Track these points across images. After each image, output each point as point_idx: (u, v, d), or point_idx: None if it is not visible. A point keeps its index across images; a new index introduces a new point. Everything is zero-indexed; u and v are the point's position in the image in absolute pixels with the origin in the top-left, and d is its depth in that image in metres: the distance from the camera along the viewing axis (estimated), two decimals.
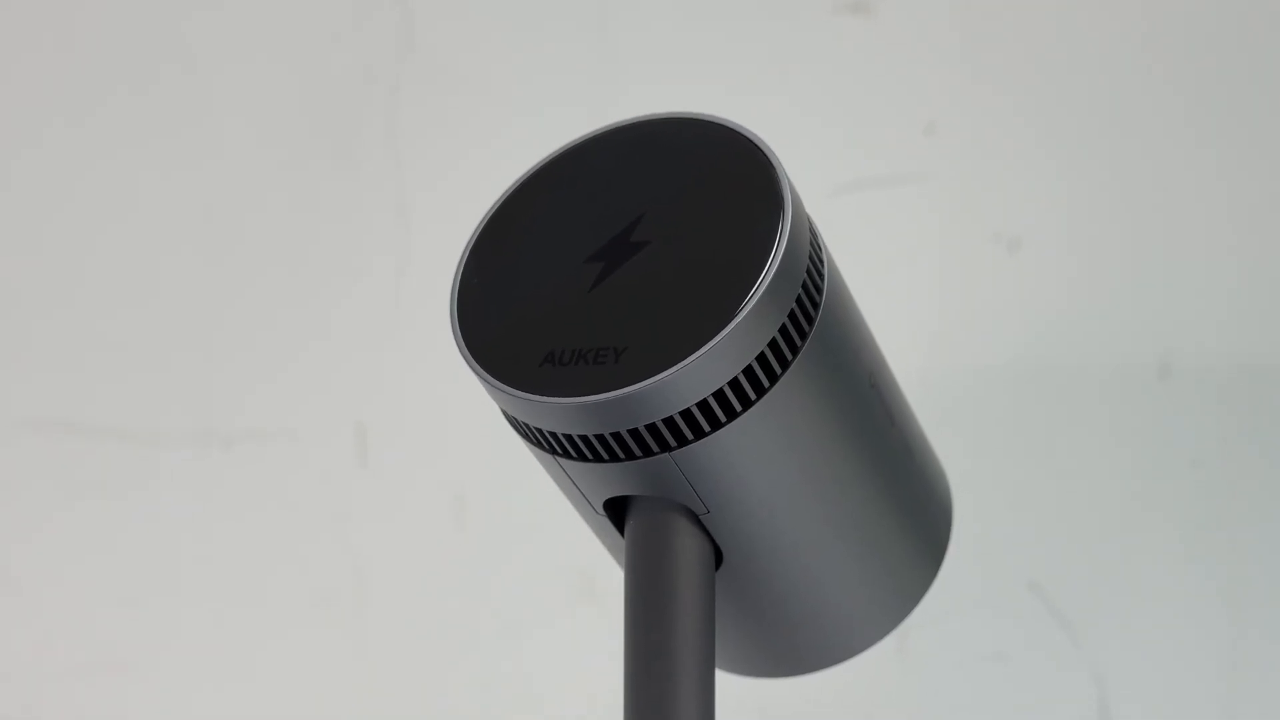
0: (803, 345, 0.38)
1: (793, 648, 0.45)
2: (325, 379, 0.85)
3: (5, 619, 0.85)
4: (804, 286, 0.38)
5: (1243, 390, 0.84)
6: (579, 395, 0.37)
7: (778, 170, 0.39)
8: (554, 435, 0.39)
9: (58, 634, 0.86)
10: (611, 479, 0.39)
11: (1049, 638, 0.85)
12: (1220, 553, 0.84)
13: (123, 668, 0.86)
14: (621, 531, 0.40)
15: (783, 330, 0.38)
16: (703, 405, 0.37)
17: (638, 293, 0.38)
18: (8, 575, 0.86)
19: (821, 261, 0.40)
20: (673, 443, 0.38)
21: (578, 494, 0.41)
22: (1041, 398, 0.84)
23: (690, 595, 0.39)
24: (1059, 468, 0.84)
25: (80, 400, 0.85)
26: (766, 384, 0.38)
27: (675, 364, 0.37)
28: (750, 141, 0.40)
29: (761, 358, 0.37)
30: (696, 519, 0.39)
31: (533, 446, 0.40)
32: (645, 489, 0.39)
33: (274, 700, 0.86)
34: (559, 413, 0.37)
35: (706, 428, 0.38)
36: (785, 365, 0.38)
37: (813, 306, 0.39)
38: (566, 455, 0.39)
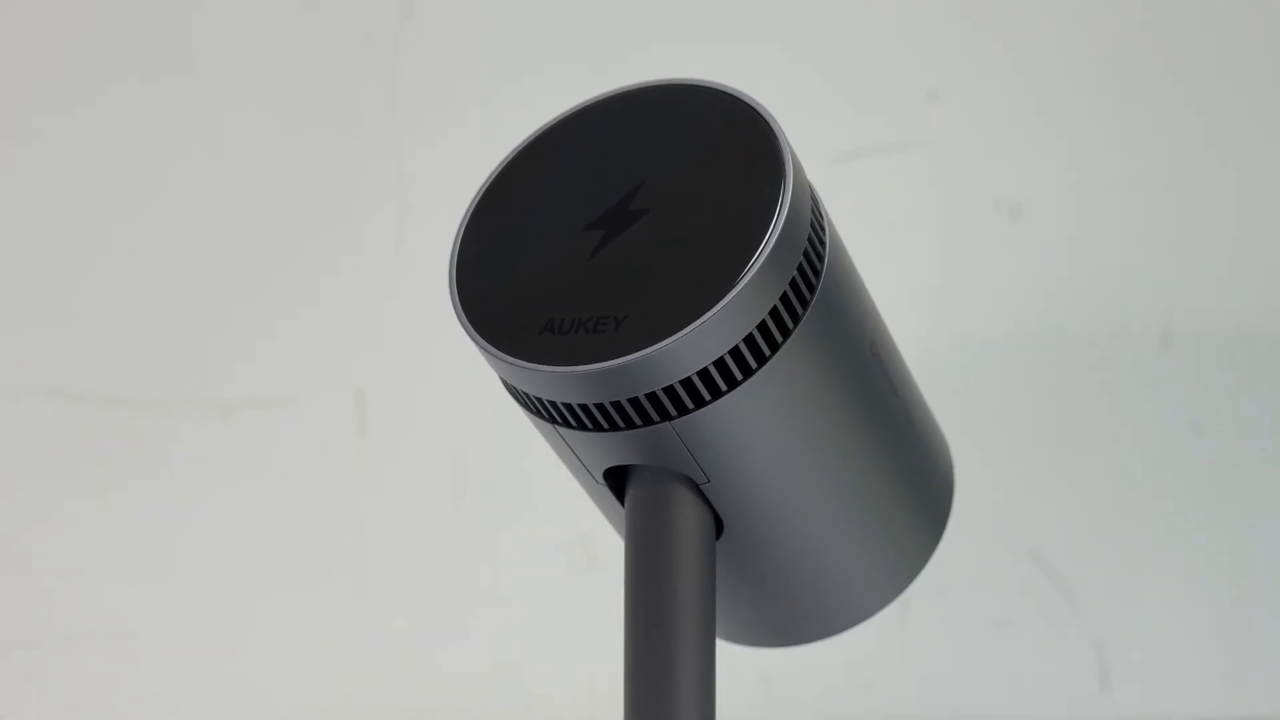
0: (804, 313, 0.38)
1: (793, 617, 0.45)
2: (325, 347, 0.85)
3: (5, 589, 0.85)
4: (805, 254, 0.38)
5: (1244, 358, 0.84)
6: (578, 364, 0.37)
7: (779, 137, 0.38)
8: (553, 404, 0.38)
9: (57, 603, 0.86)
10: (611, 448, 0.39)
11: (1049, 606, 0.85)
12: (1222, 520, 0.84)
13: (123, 636, 0.86)
14: (622, 501, 0.40)
15: (784, 298, 0.37)
16: (703, 374, 0.37)
17: (637, 260, 0.38)
18: (7, 545, 0.86)
19: (823, 229, 0.39)
20: (673, 412, 0.37)
21: (578, 463, 0.41)
22: (1043, 366, 0.84)
23: (691, 564, 0.39)
24: (1060, 436, 0.84)
25: (80, 369, 0.85)
26: (768, 352, 0.38)
27: (676, 332, 0.36)
28: (751, 108, 0.39)
29: (762, 326, 0.37)
30: (697, 488, 0.39)
31: (532, 415, 0.40)
32: (645, 458, 0.39)
33: (274, 667, 0.86)
34: (558, 381, 0.37)
35: (707, 396, 0.37)
36: (786, 334, 0.38)
37: (814, 274, 0.38)
38: (566, 424, 0.39)
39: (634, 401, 0.37)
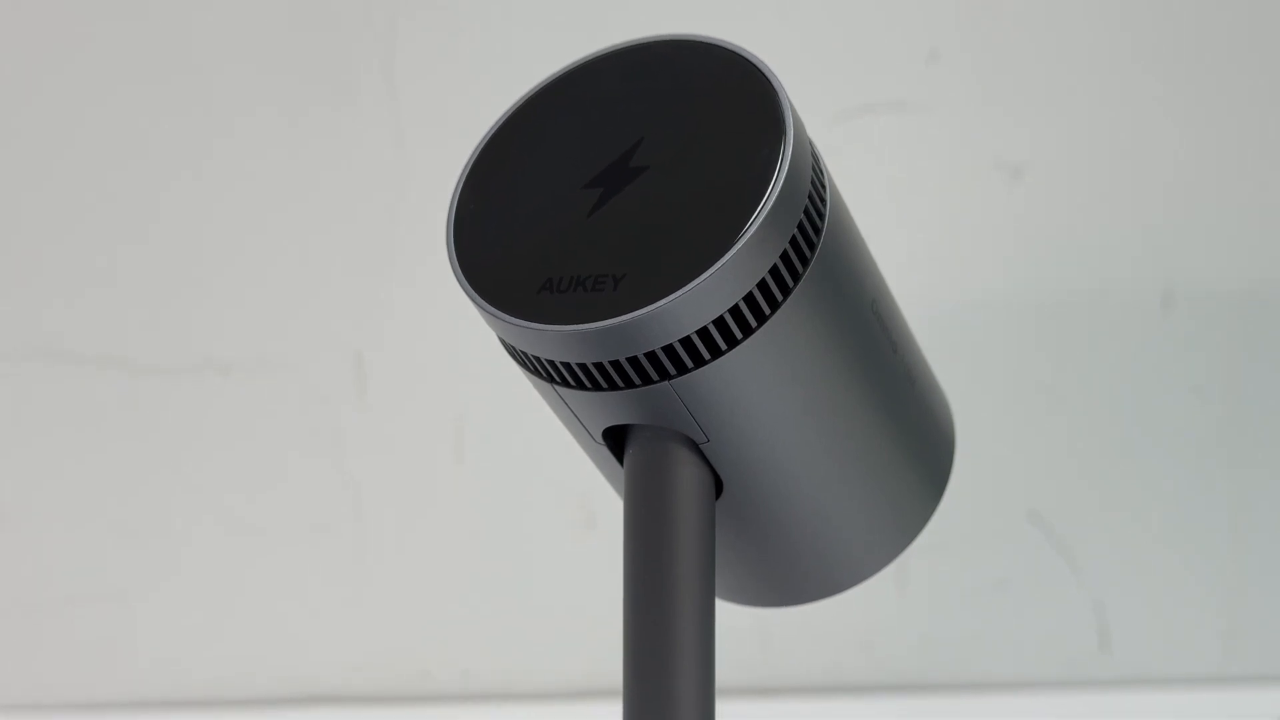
0: (804, 272, 0.38)
1: (793, 577, 0.45)
2: (323, 307, 0.84)
3: (2, 549, 0.85)
4: (806, 212, 0.38)
5: (1245, 318, 0.83)
6: (577, 323, 0.37)
7: (780, 94, 0.38)
8: (552, 363, 0.38)
9: (55, 563, 0.86)
10: (610, 407, 0.39)
11: (1049, 566, 0.85)
12: (1222, 480, 0.84)
13: (120, 597, 0.86)
14: (621, 460, 0.40)
15: (784, 257, 0.37)
16: (703, 333, 0.37)
17: (637, 218, 0.37)
18: (5, 505, 0.86)
19: (824, 187, 0.39)
20: (672, 371, 0.37)
21: (577, 423, 0.40)
22: (1043, 326, 0.84)
23: (690, 524, 0.39)
24: (1060, 396, 0.84)
25: (77, 329, 0.85)
26: (768, 311, 0.37)
27: (675, 291, 0.36)
28: (752, 65, 0.39)
29: (763, 285, 0.37)
30: (696, 448, 0.39)
31: (531, 375, 0.40)
32: (645, 418, 0.39)
33: (272, 628, 0.86)
34: (557, 340, 0.37)
35: (707, 355, 0.37)
36: (787, 292, 0.37)
37: (815, 233, 0.38)
38: (565, 384, 0.39)
39: (633, 361, 0.37)
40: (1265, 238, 0.83)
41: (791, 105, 0.38)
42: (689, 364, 0.37)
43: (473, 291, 0.38)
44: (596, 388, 0.38)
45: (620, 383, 0.38)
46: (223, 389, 0.85)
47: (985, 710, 0.83)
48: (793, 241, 0.37)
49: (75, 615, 0.86)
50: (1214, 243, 0.83)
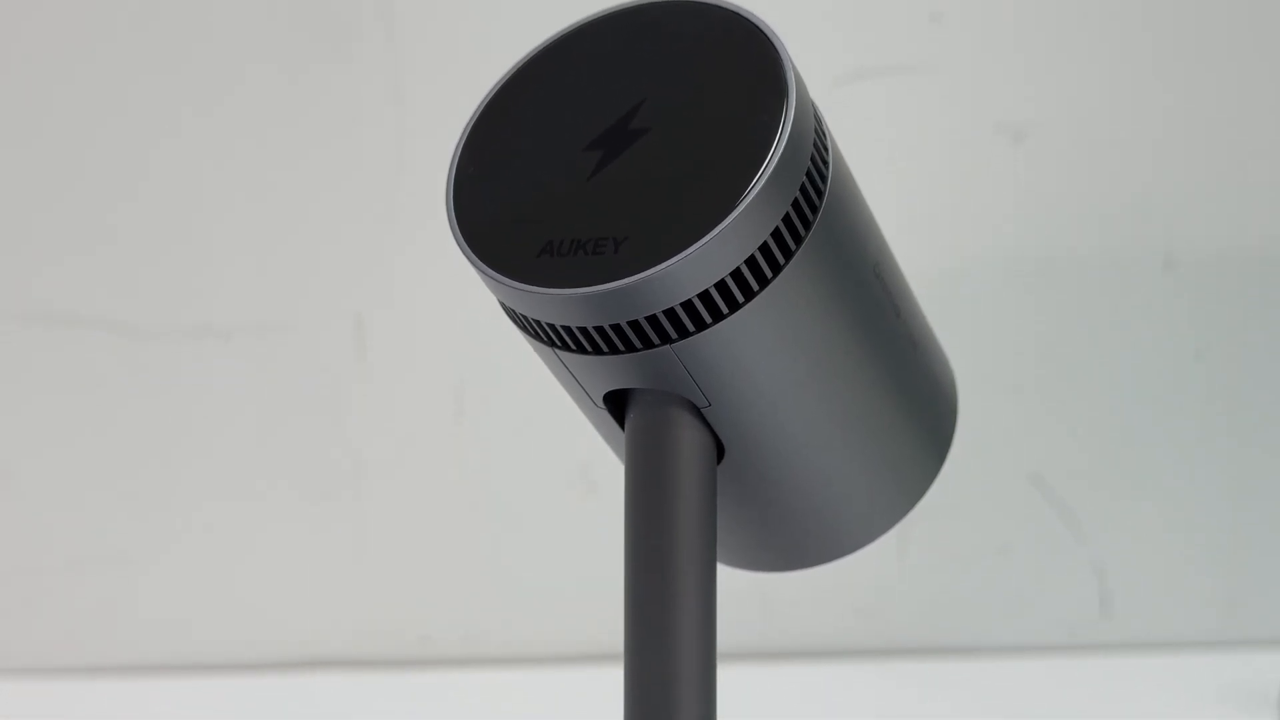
0: (807, 235, 0.37)
1: (795, 542, 0.45)
2: (323, 272, 0.84)
3: (4, 514, 0.85)
4: (808, 175, 0.37)
5: (1247, 281, 0.83)
6: (577, 286, 0.36)
7: (782, 56, 0.38)
8: (552, 327, 0.38)
9: (57, 528, 0.86)
10: (611, 372, 0.38)
11: (1050, 530, 0.85)
12: (1223, 444, 0.84)
13: (123, 561, 0.86)
14: (622, 425, 0.40)
15: (786, 219, 0.37)
16: (704, 296, 0.37)
17: (638, 181, 0.37)
18: (6, 470, 0.85)
19: (826, 149, 0.39)
20: (674, 334, 0.37)
21: (577, 387, 0.40)
22: (1044, 290, 0.83)
23: (691, 488, 0.39)
24: (1062, 360, 0.84)
25: (78, 293, 0.84)
26: (770, 274, 0.37)
27: (676, 254, 0.36)
28: (754, 26, 0.39)
29: (764, 248, 0.37)
30: (698, 412, 0.39)
31: (531, 339, 0.40)
32: (646, 382, 0.38)
33: (273, 592, 0.86)
34: (557, 304, 0.37)
35: (708, 319, 0.37)
36: (789, 255, 0.37)
37: (817, 195, 0.38)
38: (565, 348, 0.38)
39: (634, 324, 0.37)
40: (1268, 201, 0.83)
41: (794, 66, 0.38)
42: (690, 328, 0.37)
43: (472, 255, 0.38)
44: (597, 352, 0.38)
45: (621, 346, 0.37)
46: (223, 354, 0.84)
47: (986, 674, 0.83)
48: (795, 204, 0.37)
49: (77, 579, 0.86)
50: (1216, 206, 0.83)
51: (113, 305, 0.84)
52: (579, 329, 0.37)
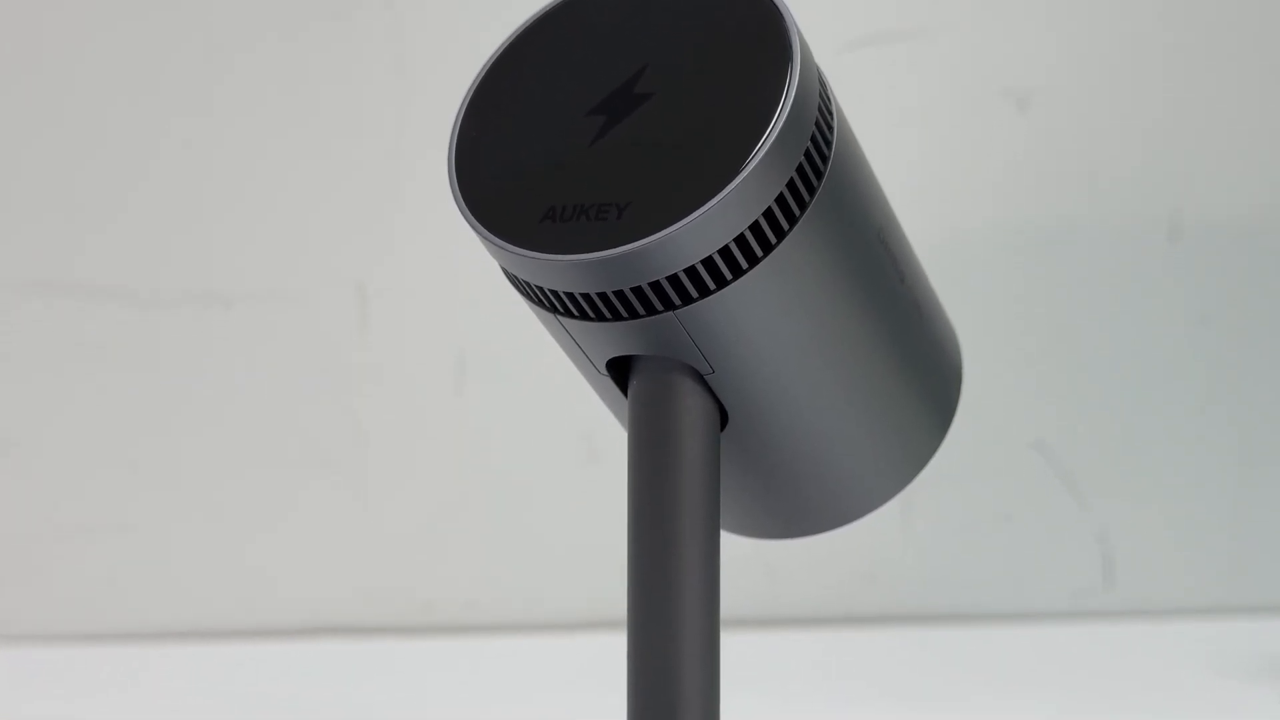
0: (811, 200, 0.37)
1: (798, 509, 0.45)
2: (325, 240, 0.84)
3: (6, 481, 0.85)
4: (813, 140, 0.37)
5: (1252, 248, 0.83)
6: (580, 252, 0.36)
7: (786, 20, 0.37)
8: (555, 293, 0.38)
9: (60, 497, 0.86)
10: (614, 338, 0.38)
11: (1054, 497, 0.85)
12: (1228, 411, 0.84)
13: (126, 529, 0.86)
14: (625, 392, 0.40)
15: (790, 185, 0.37)
16: (708, 262, 0.36)
17: (641, 146, 0.37)
18: (7, 437, 0.85)
19: (831, 114, 0.38)
20: (677, 301, 0.37)
21: (580, 354, 0.40)
22: (1049, 257, 0.83)
23: (695, 455, 0.39)
24: (1066, 326, 0.84)
25: (80, 261, 0.84)
26: (774, 240, 0.37)
27: (680, 220, 0.36)
28: None
29: (769, 213, 0.37)
30: (701, 379, 0.39)
31: (534, 305, 0.39)
32: (649, 348, 0.38)
33: (275, 559, 0.86)
34: (560, 270, 0.37)
35: (712, 285, 0.37)
36: (793, 221, 0.37)
37: (821, 160, 0.38)
38: (568, 314, 0.38)
39: (637, 290, 0.37)
40: (1274, 170, 0.82)
41: (799, 31, 0.37)
42: (694, 294, 0.37)
43: (475, 221, 0.38)
44: (600, 318, 0.38)
45: (624, 313, 0.37)
46: (225, 322, 0.84)
47: (989, 642, 0.83)
48: (799, 170, 0.37)
49: (82, 547, 0.86)
50: (1222, 173, 0.83)
51: (115, 274, 0.84)
52: (581, 295, 0.37)
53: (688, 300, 0.37)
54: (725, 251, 0.36)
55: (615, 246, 0.36)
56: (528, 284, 0.38)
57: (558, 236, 0.36)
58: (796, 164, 0.37)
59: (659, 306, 0.37)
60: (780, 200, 0.37)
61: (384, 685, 0.78)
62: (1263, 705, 0.73)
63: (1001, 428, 0.84)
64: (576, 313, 0.38)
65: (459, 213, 0.38)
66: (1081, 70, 0.81)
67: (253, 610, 0.86)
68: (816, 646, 0.83)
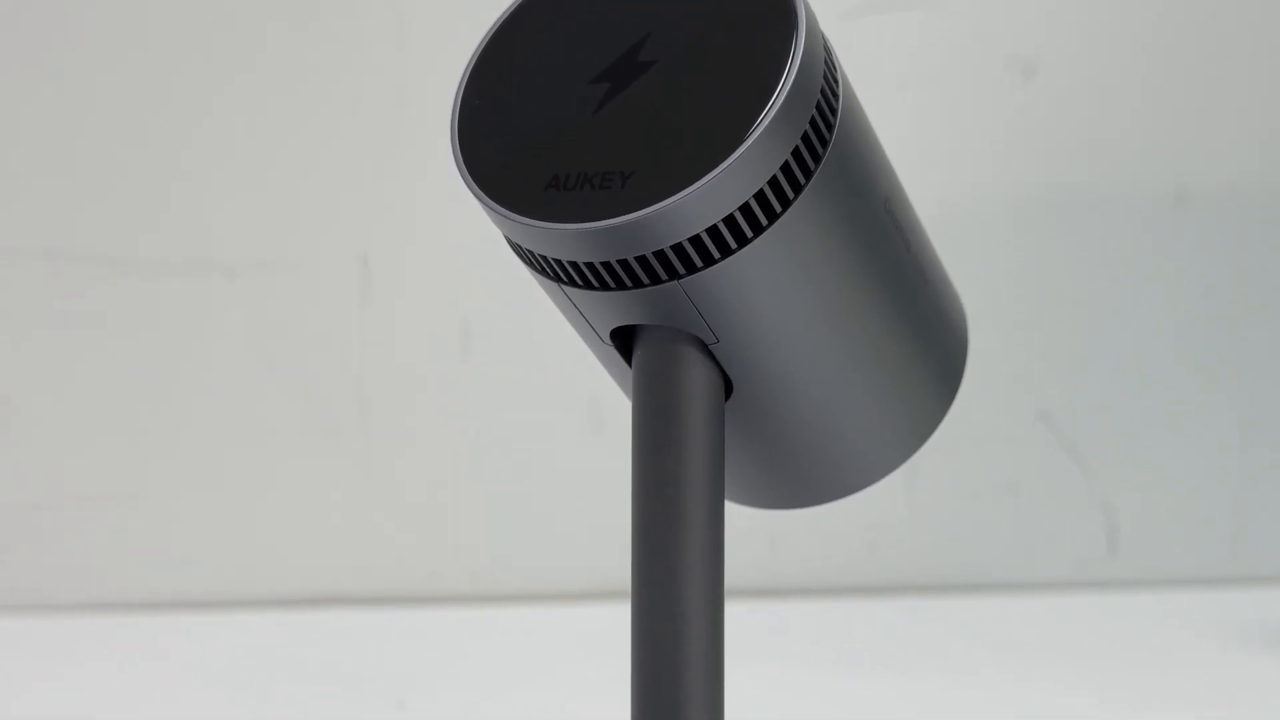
0: (817, 169, 0.37)
1: (803, 479, 0.44)
2: (327, 208, 0.84)
3: (9, 450, 0.85)
4: (818, 107, 0.37)
5: (1257, 217, 0.83)
6: (584, 221, 0.36)
7: None
8: (559, 262, 0.37)
9: (62, 465, 0.86)
10: (618, 307, 0.38)
11: (1058, 467, 0.85)
12: (1234, 380, 0.84)
13: (127, 498, 0.86)
14: (629, 361, 0.40)
15: (796, 153, 0.36)
16: (713, 231, 0.36)
17: (645, 114, 0.37)
18: (10, 406, 0.85)
19: (836, 82, 0.38)
20: (681, 270, 0.37)
21: (584, 323, 0.40)
22: (1055, 225, 0.83)
23: (699, 425, 0.38)
24: (1072, 296, 0.84)
25: (83, 230, 0.84)
26: (779, 209, 0.37)
27: (684, 188, 0.35)
28: None
29: (774, 182, 0.36)
30: (706, 348, 0.39)
31: (538, 274, 0.39)
32: (653, 318, 0.38)
33: (279, 529, 0.86)
34: (563, 239, 0.36)
35: (717, 254, 0.37)
36: (799, 189, 0.37)
37: (827, 128, 0.37)
38: (572, 283, 0.38)
39: (641, 260, 0.36)
40: (1279, 135, 0.82)
41: None
42: (698, 263, 0.37)
43: (478, 189, 0.37)
44: (604, 287, 0.37)
45: (628, 282, 0.37)
46: (229, 291, 0.84)
47: (993, 611, 0.83)
48: (804, 137, 0.37)
49: (85, 517, 0.86)
50: (1228, 141, 0.82)
51: (118, 243, 0.84)
52: (585, 264, 0.37)
53: (692, 269, 0.37)
54: (730, 220, 0.36)
55: (619, 215, 0.35)
56: (531, 253, 0.38)
57: (561, 205, 0.36)
58: (801, 132, 0.36)
59: (663, 276, 0.37)
60: (785, 168, 0.36)
61: (387, 655, 0.79)
62: (1265, 674, 0.74)
63: (1007, 397, 0.84)
64: (580, 282, 0.38)
65: (462, 182, 0.38)
66: (1086, 38, 0.81)
67: (255, 580, 0.86)
68: (820, 616, 0.83)
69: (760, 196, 0.36)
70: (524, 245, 0.38)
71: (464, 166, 0.38)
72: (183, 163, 0.84)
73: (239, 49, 0.83)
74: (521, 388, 0.85)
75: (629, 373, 0.39)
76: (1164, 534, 0.86)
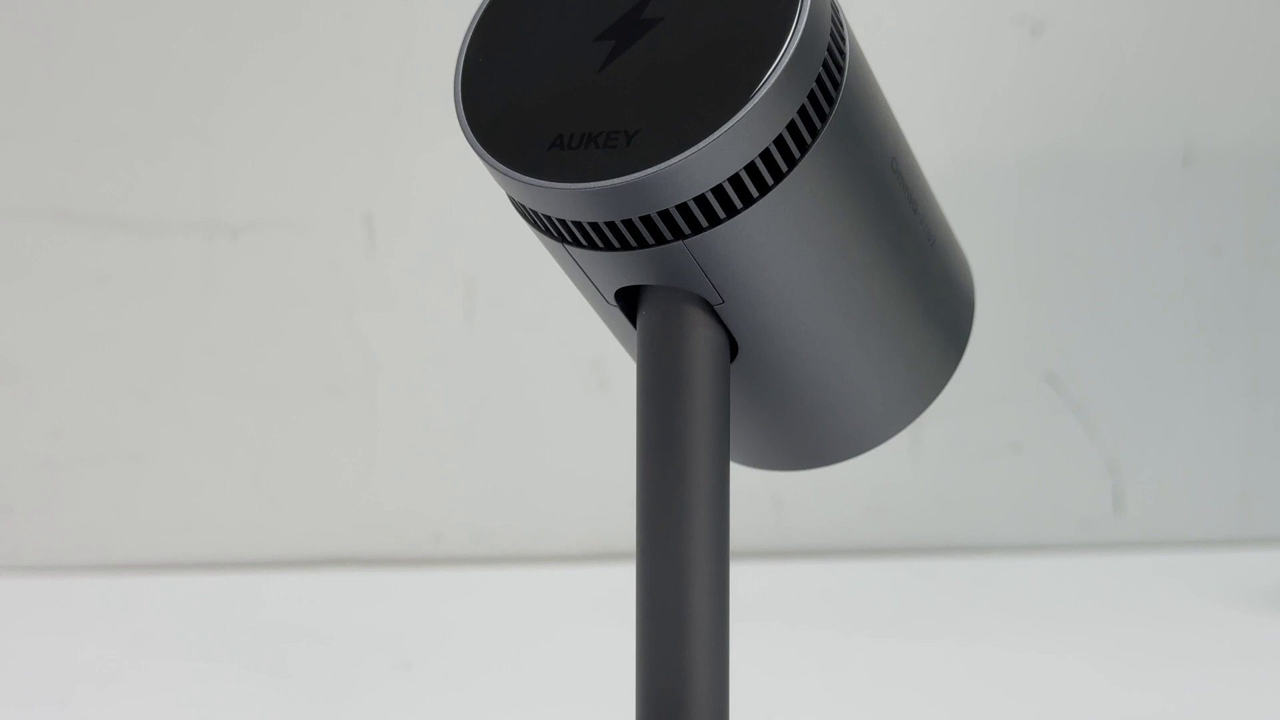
0: (822, 128, 0.37)
1: (808, 440, 0.44)
2: (331, 168, 0.83)
3: (15, 410, 0.85)
4: (824, 66, 0.37)
5: (1266, 178, 0.82)
6: (588, 180, 0.36)
7: None
8: (563, 223, 0.37)
9: (68, 425, 0.86)
10: (623, 268, 0.38)
11: (1064, 428, 0.85)
12: (1241, 341, 0.84)
13: (133, 458, 0.86)
14: (634, 322, 0.39)
15: (802, 112, 0.36)
16: (718, 191, 0.36)
17: (650, 73, 0.36)
18: (17, 367, 0.85)
19: (843, 39, 0.38)
20: (687, 230, 0.36)
21: (589, 284, 0.40)
22: (1062, 185, 0.83)
23: (704, 386, 0.38)
24: (1079, 256, 0.84)
25: (87, 191, 0.84)
26: (785, 168, 0.36)
27: (690, 147, 0.35)
28: None
29: (780, 141, 0.36)
30: (711, 309, 0.38)
31: (542, 235, 0.39)
32: (658, 278, 0.38)
33: (284, 489, 0.86)
34: (568, 199, 0.36)
35: (722, 214, 0.36)
36: (804, 148, 0.36)
37: (833, 87, 0.37)
38: (576, 243, 0.38)
39: (646, 220, 0.36)
40: None
41: None
42: (704, 223, 0.36)
43: (482, 149, 0.37)
44: (609, 248, 0.37)
45: (633, 242, 0.37)
46: (232, 251, 0.84)
47: (999, 571, 0.83)
48: (810, 96, 0.36)
49: (89, 476, 0.86)
50: (1236, 101, 0.82)
51: (123, 203, 0.84)
52: (590, 224, 0.37)
53: (697, 229, 0.36)
54: (735, 180, 0.36)
55: (624, 175, 0.35)
56: (535, 213, 0.38)
57: (566, 165, 0.36)
58: (808, 91, 0.36)
59: (668, 236, 0.36)
60: (791, 128, 0.36)
61: (393, 616, 0.79)
62: (1270, 636, 0.74)
63: (1012, 358, 0.84)
64: (585, 242, 0.38)
65: (466, 141, 0.38)
66: None
67: (262, 540, 0.86)
68: (825, 577, 0.84)
69: (766, 156, 0.36)
70: (528, 205, 0.38)
71: (468, 125, 0.38)
72: (188, 122, 0.83)
73: (244, 8, 0.82)
74: (526, 348, 0.85)
75: (634, 334, 0.39)
76: (1170, 495, 0.86)
